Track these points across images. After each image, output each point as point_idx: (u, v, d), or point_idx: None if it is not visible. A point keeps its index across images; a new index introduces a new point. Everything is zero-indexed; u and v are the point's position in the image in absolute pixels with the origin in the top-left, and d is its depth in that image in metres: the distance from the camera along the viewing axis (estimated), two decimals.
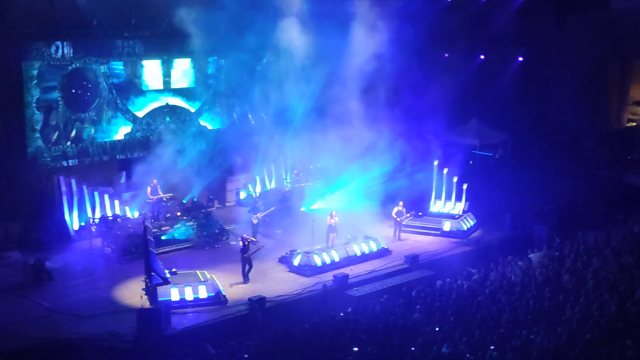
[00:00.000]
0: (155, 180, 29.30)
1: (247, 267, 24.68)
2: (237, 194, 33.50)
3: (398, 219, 29.32)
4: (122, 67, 30.37)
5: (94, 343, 20.40)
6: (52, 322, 21.74)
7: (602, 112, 42.07)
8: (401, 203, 29.39)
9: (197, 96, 32.81)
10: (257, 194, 32.75)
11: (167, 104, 31.89)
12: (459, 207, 31.26)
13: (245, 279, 24.60)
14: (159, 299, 22.27)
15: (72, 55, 28.65)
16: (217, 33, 30.50)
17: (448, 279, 23.70)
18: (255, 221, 28.18)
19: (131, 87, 30.82)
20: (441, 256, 27.88)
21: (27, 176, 27.98)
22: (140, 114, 31.10)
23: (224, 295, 23.33)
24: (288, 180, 34.20)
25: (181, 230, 28.23)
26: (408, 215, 30.00)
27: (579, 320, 19.10)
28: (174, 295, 22.70)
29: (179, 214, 29.15)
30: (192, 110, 32.67)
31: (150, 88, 31.41)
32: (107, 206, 29.21)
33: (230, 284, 24.40)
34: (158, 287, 22.51)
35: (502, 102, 38.98)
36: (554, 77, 40.69)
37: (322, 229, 27.45)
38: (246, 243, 24.68)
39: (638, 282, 21.89)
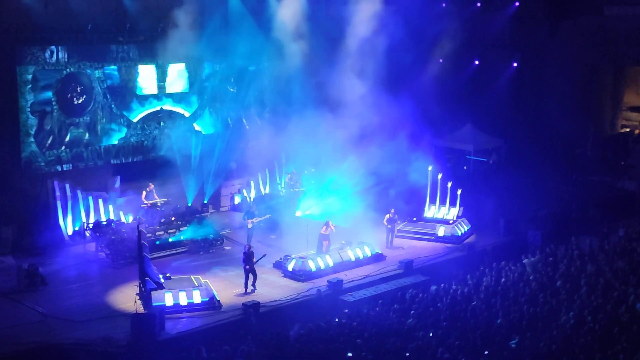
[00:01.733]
0: (151, 185, 29.29)
1: (251, 277, 24.47)
2: (232, 199, 33.50)
3: (389, 226, 29.28)
4: (116, 72, 30.36)
5: (87, 348, 20.37)
6: (45, 327, 21.70)
7: (595, 118, 42.15)
8: (392, 210, 29.36)
9: (191, 101, 32.82)
10: (252, 199, 32.77)
11: (161, 108, 31.89)
12: (453, 213, 31.28)
13: (246, 289, 24.37)
14: (153, 304, 22.29)
15: (66, 59, 28.64)
16: (212, 38, 30.58)
17: (442, 284, 23.73)
18: (250, 226, 28.17)
19: (126, 92, 30.81)
20: (435, 261, 27.89)
21: (21, 181, 27.95)
22: (134, 118, 31.08)
23: (218, 300, 23.31)
24: (282, 185, 34.21)
25: (175, 235, 28.23)
26: (399, 222, 29.95)
27: (573, 326, 19.16)
28: (168, 300, 22.66)
29: (173, 218, 29.18)
30: (187, 114, 32.66)
31: (145, 93, 31.39)
32: (101, 211, 29.19)
33: (236, 294, 24.37)
34: (152, 292, 22.51)
35: (496, 107, 39.06)
36: (548, 83, 40.80)
37: (316, 234, 27.46)
38: (250, 252, 24.52)
39: (632, 288, 21.97)
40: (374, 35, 31.85)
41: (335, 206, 30.84)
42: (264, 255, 25.49)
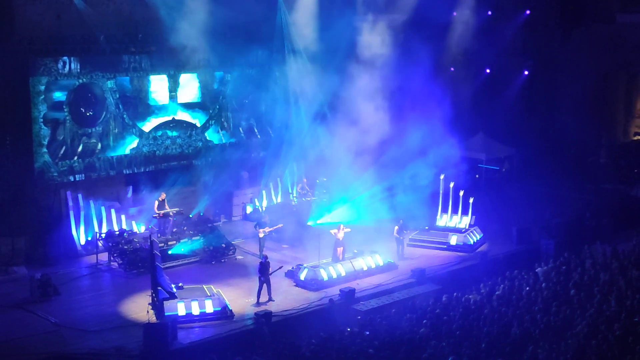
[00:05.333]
0: (163, 195, 29.33)
1: (264, 287, 24.38)
2: (244, 208, 33.53)
3: (401, 238, 29.18)
4: (128, 82, 30.42)
5: (100, 358, 20.42)
6: (58, 336, 21.76)
7: (608, 126, 42.06)
8: (401, 221, 29.27)
9: (203, 111, 32.86)
10: (264, 209, 32.79)
11: (173, 118, 31.93)
12: (465, 221, 31.19)
13: (259, 298, 24.32)
14: (166, 314, 22.31)
15: (79, 70, 28.71)
16: (223, 48, 30.66)
17: (455, 293, 23.64)
18: (261, 235, 28.17)
19: (138, 102, 30.84)
20: (448, 270, 27.82)
21: (34, 191, 28.03)
22: (146, 128, 31.13)
23: (231, 310, 23.31)
24: (294, 195, 34.21)
25: (187, 244, 28.27)
26: (406, 232, 29.83)
27: (587, 335, 19.04)
28: (181, 309, 22.69)
29: (185, 228, 29.25)
30: (199, 124, 32.71)
31: (157, 103, 31.46)
32: (113, 221, 29.28)
33: (248, 303, 24.33)
34: (164, 302, 22.54)
35: (508, 116, 39.02)
36: (560, 91, 40.75)
37: (328, 243, 27.48)
38: (266, 263, 24.43)
39: None
40: (384, 47, 31.97)
41: (348, 215, 30.84)
42: (280, 267, 25.49)
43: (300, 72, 32.30)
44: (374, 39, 32.50)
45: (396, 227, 28.99)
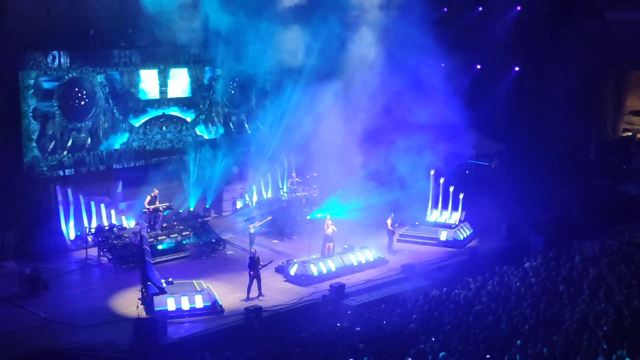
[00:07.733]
0: (156, 191, 29.23)
1: (255, 282, 24.43)
2: (234, 203, 33.51)
3: (392, 230, 29.23)
4: (118, 77, 30.33)
5: (90, 353, 20.39)
6: (48, 331, 21.72)
7: (597, 122, 42.20)
8: (392, 215, 29.35)
9: (193, 106, 32.80)
10: (254, 204, 32.78)
11: (163, 113, 31.87)
12: (455, 217, 31.31)
13: (249, 293, 24.35)
14: (155, 309, 22.32)
15: (68, 64, 28.61)
16: (214, 42, 30.60)
17: (444, 289, 23.71)
18: (252, 230, 28.16)
19: (128, 97, 30.76)
20: (437, 266, 27.89)
21: (23, 186, 27.92)
22: (136, 123, 31.07)
23: (221, 305, 23.31)
24: (285, 190, 34.22)
25: (178, 240, 28.26)
26: (396, 225, 29.79)
27: (576, 330, 19.12)
28: (170, 304, 22.69)
29: (175, 223, 29.23)
30: (189, 119, 32.66)
31: (147, 97, 31.37)
32: (103, 216, 29.22)
33: (238, 298, 24.35)
34: (154, 297, 22.55)
35: (498, 112, 39.06)
36: (550, 87, 40.84)
37: (318, 238, 27.50)
38: (256, 258, 24.51)
39: (635, 292, 21.94)
40: (375, 43, 31.96)
41: (338, 210, 30.85)
42: (270, 262, 25.51)
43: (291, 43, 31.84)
44: (364, 36, 32.47)
45: (389, 220, 29.07)
